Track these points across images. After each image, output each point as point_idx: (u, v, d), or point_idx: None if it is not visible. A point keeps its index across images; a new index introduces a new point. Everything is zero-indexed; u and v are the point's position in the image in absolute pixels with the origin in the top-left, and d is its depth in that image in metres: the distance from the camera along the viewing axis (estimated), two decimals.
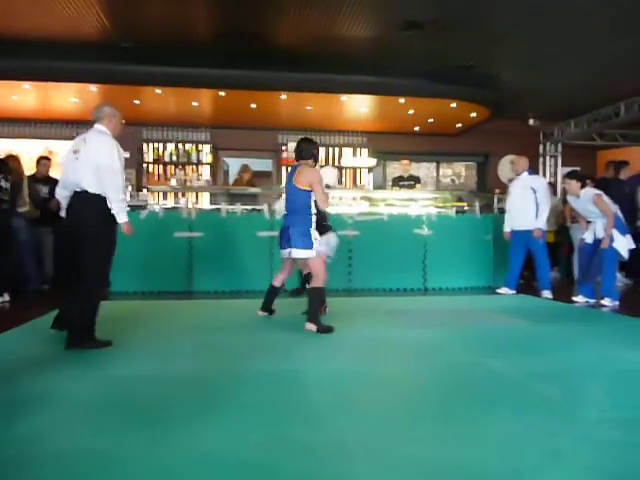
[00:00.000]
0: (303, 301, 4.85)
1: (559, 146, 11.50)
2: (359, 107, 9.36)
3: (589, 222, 6.04)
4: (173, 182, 9.80)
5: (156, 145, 10.48)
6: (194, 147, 10.55)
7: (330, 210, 5.53)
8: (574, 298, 6.06)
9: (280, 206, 5.70)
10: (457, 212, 7.84)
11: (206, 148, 10.59)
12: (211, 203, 9.77)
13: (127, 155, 10.05)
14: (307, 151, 4.57)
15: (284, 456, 1.99)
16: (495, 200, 8.34)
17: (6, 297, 5.82)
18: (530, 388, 2.83)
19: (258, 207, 7.35)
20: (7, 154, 6.65)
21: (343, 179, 11.05)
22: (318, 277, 4.40)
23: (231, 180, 11.10)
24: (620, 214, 5.85)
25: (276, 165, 10.94)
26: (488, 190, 10.70)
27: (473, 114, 9.60)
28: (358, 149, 11.10)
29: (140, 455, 2.00)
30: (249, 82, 8.06)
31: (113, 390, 2.77)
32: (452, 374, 3.15)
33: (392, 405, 2.58)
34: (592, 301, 5.93)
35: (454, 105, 8.95)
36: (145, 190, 9.40)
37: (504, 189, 8.38)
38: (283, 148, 10.64)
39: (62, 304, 4.06)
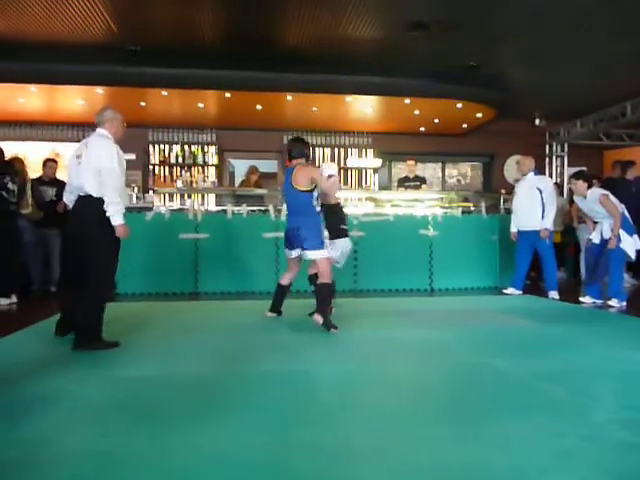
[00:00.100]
0: (310, 302, 4.87)
1: (565, 146, 11.47)
2: (364, 108, 9.37)
3: (596, 222, 6.01)
4: (179, 184, 9.83)
5: (162, 147, 10.53)
6: (200, 148, 10.59)
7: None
8: (581, 299, 6.03)
9: None
10: (463, 212, 7.82)
11: (212, 149, 10.63)
12: (217, 204, 9.80)
13: (133, 157, 10.15)
14: (298, 150, 4.62)
15: (292, 456, 1.99)
16: (501, 200, 8.32)
17: (14, 299, 5.86)
18: (537, 389, 2.82)
19: (263, 208, 7.36)
20: (12, 156, 6.69)
21: (349, 180, 11.06)
22: (325, 276, 4.45)
23: (237, 181, 11.13)
24: (627, 214, 5.82)
25: (282, 166, 10.94)
26: (494, 190, 10.67)
27: (479, 114, 9.59)
28: (364, 150, 11.12)
29: (148, 456, 2.00)
30: (255, 83, 8.09)
31: (120, 391, 2.78)
32: (459, 374, 3.15)
33: (399, 405, 2.57)
34: (599, 302, 5.90)
35: (460, 105, 8.94)
36: (151, 192, 9.41)
37: (510, 189, 8.36)
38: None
39: (64, 308, 4.08)
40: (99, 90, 8.15)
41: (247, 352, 3.67)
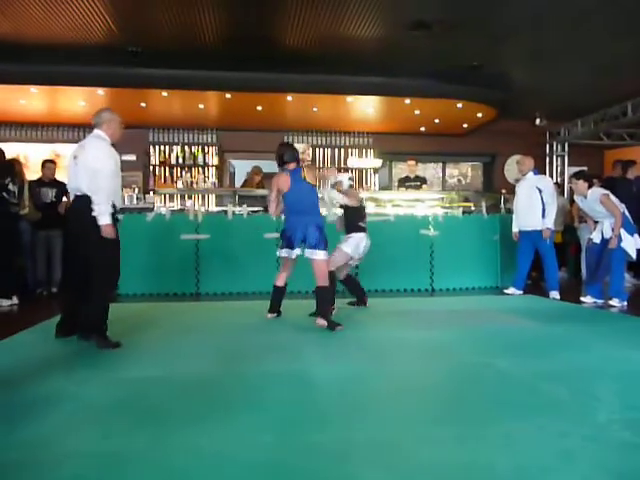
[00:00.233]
0: (309, 303, 4.88)
1: (566, 146, 11.47)
2: (365, 108, 9.37)
3: (596, 222, 6.01)
4: (180, 184, 9.85)
5: (163, 148, 10.53)
6: (200, 149, 10.59)
7: (337, 211, 5.58)
8: (582, 298, 6.03)
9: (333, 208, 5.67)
10: (464, 212, 7.82)
11: (212, 150, 10.63)
12: (217, 205, 9.81)
13: (133, 158, 10.15)
14: (290, 155, 4.68)
15: (293, 456, 1.99)
16: (502, 200, 8.31)
17: (15, 300, 5.86)
18: (538, 389, 2.82)
19: (264, 208, 7.36)
20: (10, 158, 6.69)
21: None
22: (324, 277, 4.49)
23: (237, 182, 11.13)
24: (627, 214, 5.82)
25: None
26: (495, 190, 10.67)
27: (479, 114, 9.59)
28: (364, 150, 11.12)
29: (149, 456, 2.01)
30: (255, 84, 8.09)
31: (122, 392, 2.78)
32: (460, 375, 3.15)
33: (400, 405, 2.58)
34: (600, 301, 5.90)
35: (460, 105, 8.94)
36: (152, 193, 9.44)
37: (511, 189, 8.36)
38: None
39: (65, 308, 4.10)
40: (100, 91, 8.15)
41: (248, 352, 3.68)
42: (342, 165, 10.94)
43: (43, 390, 2.80)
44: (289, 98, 8.63)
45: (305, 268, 4.64)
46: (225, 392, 2.78)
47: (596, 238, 5.96)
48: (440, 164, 12.16)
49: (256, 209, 7.44)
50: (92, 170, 3.74)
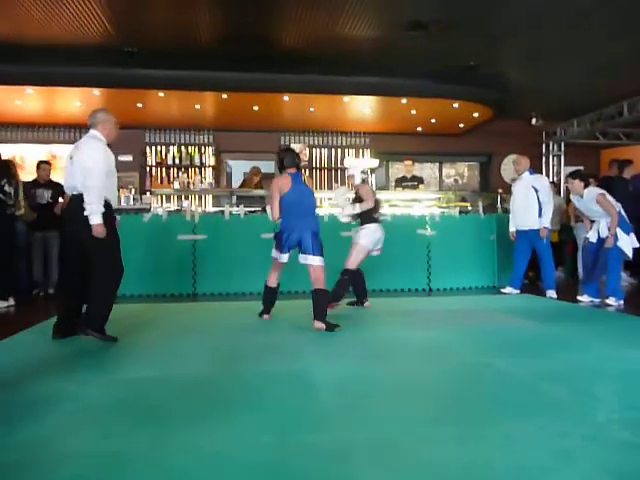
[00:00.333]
0: (306, 303, 4.87)
1: (562, 145, 11.49)
2: (362, 108, 9.37)
3: (593, 221, 6.03)
4: (176, 185, 9.83)
5: (159, 148, 10.51)
6: (197, 150, 10.57)
7: (329, 210, 5.59)
8: (579, 298, 6.04)
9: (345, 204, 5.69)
10: (460, 212, 7.83)
11: (209, 151, 10.61)
12: (214, 205, 9.80)
13: (130, 158, 10.14)
14: (290, 160, 4.76)
15: (292, 456, 1.99)
16: (499, 200, 8.33)
17: (11, 301, 5.84)
18: (538, 388, 2.82)
19: (261, 208, 7.36)
20: (5, 159, 6.65)
21: (346, 180, 11.05)
22: (322, 282, 4.49)
23: (234, 182, 11.12)
24: (624, 213, 5.83)
25: (279, 167, 10.91)
26: (491, 190, 10.69)
27: (476, 114, 9.60)
28: (361, 150, 11.13)
29: (149, 456, 2.01)
30: (251, 84, 8.08)
31: (121, 393, 2.78)
32: (459, 374, 3.15)
33: (399, 405, 2.57)
34: (597, 301, 5.92)
35: (456, 105, 8.95)
36: (148, 193, 9.42)
37: (507, 189, 8.37)
38: None
39: (63, 309, 4.10)
40: (96, 92, 8.13)
41: (246, 352, 3.68)
42: (339, 165, 10.95)
43: (42, 390, 2.80)
44: (286, 98, 8.62)
45: (304, 268, 4.63)
46: (224, 392, 2.78)
47: (592, 237, 5.98)
48: (437, 164, 12.16)
49: (253, 209, 7.43)
50: (85, 169, 3.82)
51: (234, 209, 7.17)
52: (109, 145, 4.07)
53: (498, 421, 2.35)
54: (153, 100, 8.67)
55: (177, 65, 7.71)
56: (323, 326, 4.36)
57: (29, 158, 9.63)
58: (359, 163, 5.74)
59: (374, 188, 10.75)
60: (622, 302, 5.73)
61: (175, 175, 10.45)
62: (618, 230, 5.69)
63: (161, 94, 8.32)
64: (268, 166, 11.02)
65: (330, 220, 6.54)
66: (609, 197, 5.77)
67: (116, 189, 4.29)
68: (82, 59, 7.42)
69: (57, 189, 6.88)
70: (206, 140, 10.62)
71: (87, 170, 3.80)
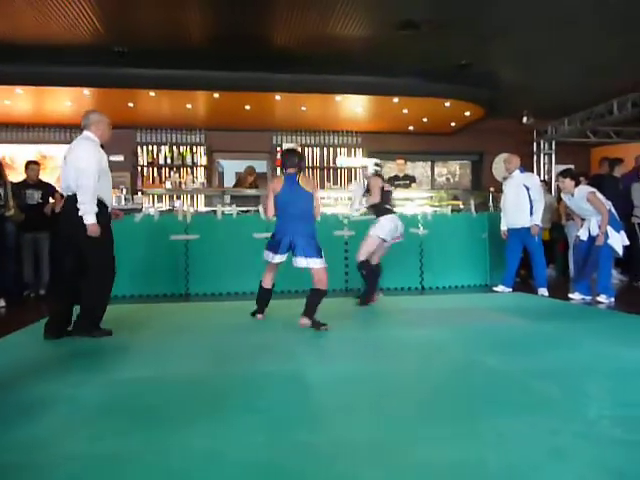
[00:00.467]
0: (301, 302, 4.86)
1: (553, 144, 11.56)
2: (354, 107, 9.38)
3: (584, 220, 6.06)
4: (168, 185, 9.79)
5: (150, 148, 10.47)
6: (189, 149, 10.54)
7: (326, 210, 5.60)
8: (570, 295, 6.07)
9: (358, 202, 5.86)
10: (453, 211, 7.85)
11: (201, 150, 10.58)
12: (206, 205, 9.77)
13: (121, 158, 10.08)
14: (292, 162, 4.71)
15: (288, 456, 1.99)
16: (490, 198, 8.36)
17: (2, 303, 5.80)
18: (529, 386, 2.84)
19: (253, 208, 7.35)
20: None
21: (338, 179, 11.08)
22: (324, 283, 4.50)
23: (226, 182, 11.10)
24: (614, 211, 5.87)
25: (271, 166, 10.93)
26: (483, 188, 10.74)
27: (467, 113, 9.63)
28: (353, 149, 11.13)
29: (145, 457, 2.00)
30: (243, 83, 8.06)
31: (116, 393, 2.77)
32: (451, 373, 3.16)
33: (392, 404, 2.58)
34: (588, 298, 5.95)
35: (448, 104, 8.97)
36: (140, 193, 9.38)
37: (499, 187, 8.41)
38: (278, 149, 10.61)
39: (55, 309, 4.08)
40: (86, 91, 8.08)
41: (240, 352, 3.67)
42: (331, 164, 10.96)
43: (37, 391, 2.78)
44: (277, 97, 8.61)
45: (297, 268, 4.62)
46: (218, 392, 2.77)
47: (583, 235, 6.01)
48: (429, 163, 12.20)
49: (245, 209, 7.41)
50: (77, 170, 3.86)
51: (226, 209, 7.15)
52: (102, 145, 4.09)
53: (490, 419, 2.35)
54: (144, 100, 8.64)
55: (168, 64, 7.68)
56: (309, 322, 4.37)
57: (19, 158, 9.56)
58: (372, 160, 5.90)
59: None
60: (613, 299, 5.76)
61: (167, 175, 10.41)
62: (609, 228, 5.72)
63: (152, 94, 8.29)
64: (260, 165, 11.03)
65: (322, 219, 6.53)
66: (599, 195, 5.80)
67: (111, 189, 4.30)
68: (72, 59, 7.37)
69: (47, 189, 6.83)
70: (198, 140, 10.59)
71: (80, 170, 3.85)
